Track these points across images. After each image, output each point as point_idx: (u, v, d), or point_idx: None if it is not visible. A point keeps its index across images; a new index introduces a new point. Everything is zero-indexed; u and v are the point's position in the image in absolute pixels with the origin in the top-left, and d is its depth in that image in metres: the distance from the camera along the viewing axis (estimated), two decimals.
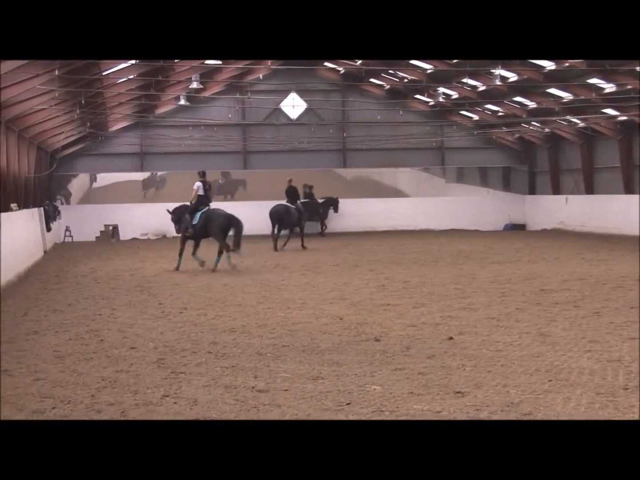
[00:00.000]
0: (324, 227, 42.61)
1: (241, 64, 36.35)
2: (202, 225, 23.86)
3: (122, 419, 8.66)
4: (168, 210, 25.86)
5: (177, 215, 25.17)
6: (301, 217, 32.79)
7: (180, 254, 24.43)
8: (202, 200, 24.18)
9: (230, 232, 23.83)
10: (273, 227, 32.29)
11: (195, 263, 24.16)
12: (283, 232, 32.72)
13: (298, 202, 33.07)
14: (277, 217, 32.13)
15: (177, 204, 26.30)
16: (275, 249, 31.48)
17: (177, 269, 24.10)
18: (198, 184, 24.23)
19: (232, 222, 23.79)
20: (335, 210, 43.40)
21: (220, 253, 23.91)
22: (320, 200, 42.47)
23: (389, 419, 8.27)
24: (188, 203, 24.83)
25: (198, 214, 23.93)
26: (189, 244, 24.44)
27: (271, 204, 33.33)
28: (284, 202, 32.84)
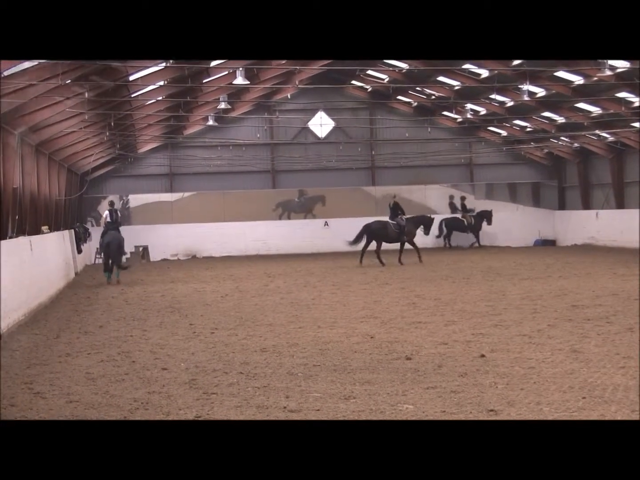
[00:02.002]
0: (477, 239, 43.40)
1: (268, 84, 36.45)
2: (103, 246, 28.42)
3: (122, 419, 8.67)
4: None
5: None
6: (402, 232, 33.08)
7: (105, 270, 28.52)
8: (109, 225, 28.59)
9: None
10: (367, 242, 32.90)
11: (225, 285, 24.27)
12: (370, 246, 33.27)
13: (400, 217, 33.41)
14: (369, 232, 32.85)
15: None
16: (361, 262, 32.40)
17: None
18: (106, 212, 29.15)
19: (117, 244, 27.86)
20: (489, 222, 43.66)
21: (111, 270, 28.12)
22: (472, 214, 43.60)
23: (388, 419, 8.23)
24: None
25: (104, 237, 28.43)
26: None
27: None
28: (385, 218, 33.77)
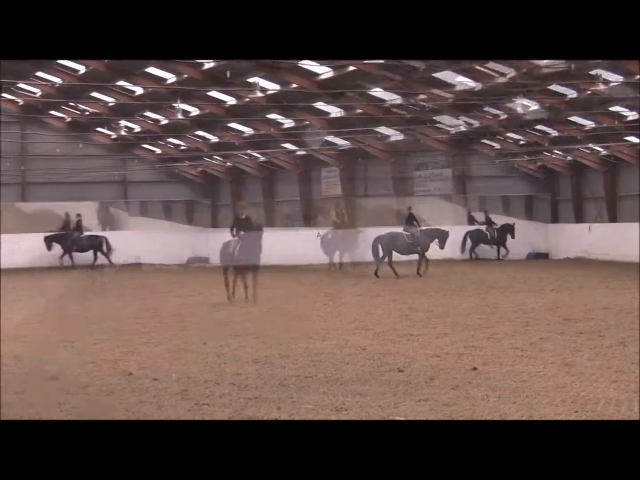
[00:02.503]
0: (505, 251, 42.84)
1: None
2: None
3: (122, 419, 8.63)
4: None
5: None
6: (415, 243, 32.63)
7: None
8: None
9: None
10: (385, 253, 32.42)
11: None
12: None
13: (414, 229, 33.07)
14: (380, 244, 32.28)
15: None
16: (376, 274, 31.50)
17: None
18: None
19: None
20: (512, 235, 43.06)
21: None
22: (496, 227, 43.17)
23: (386, 419, 8.21)
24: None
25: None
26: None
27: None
28: (400, 229, 33.39)
